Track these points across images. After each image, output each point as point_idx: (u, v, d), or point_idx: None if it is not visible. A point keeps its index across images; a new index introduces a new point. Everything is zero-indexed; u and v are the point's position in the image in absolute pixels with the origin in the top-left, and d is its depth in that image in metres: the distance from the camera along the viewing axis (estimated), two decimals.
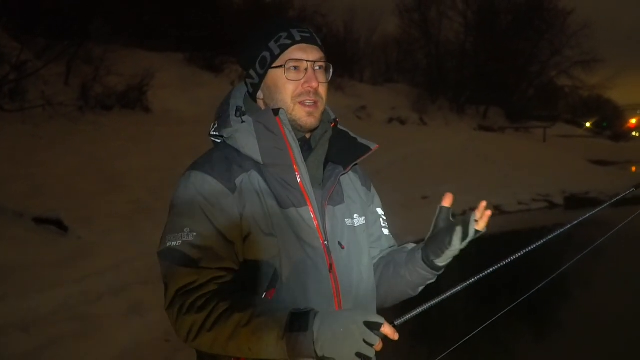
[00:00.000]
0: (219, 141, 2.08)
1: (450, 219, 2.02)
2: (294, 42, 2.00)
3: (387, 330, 1.67)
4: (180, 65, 23.32)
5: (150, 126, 16.20)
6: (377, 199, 2.33)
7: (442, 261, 2.03)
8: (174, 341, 6.02)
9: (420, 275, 2.10)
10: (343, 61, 35.81)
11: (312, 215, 1.96)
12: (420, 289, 2.17)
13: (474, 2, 45.54)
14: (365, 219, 2.18)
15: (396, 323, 1.72)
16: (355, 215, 2.14)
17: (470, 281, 1.86)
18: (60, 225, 8.84)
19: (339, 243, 2.02)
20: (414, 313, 1.77)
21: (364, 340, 1.63)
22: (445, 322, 7.38)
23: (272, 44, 2.01)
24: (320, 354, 1.64)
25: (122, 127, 15.26)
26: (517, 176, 21.01)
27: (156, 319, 6.35)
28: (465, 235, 1.96)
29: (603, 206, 2.07)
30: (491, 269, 1.87)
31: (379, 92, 36.49)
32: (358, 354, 1.62)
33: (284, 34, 2.01)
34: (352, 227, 2.10)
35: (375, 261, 2.28)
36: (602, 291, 9.57)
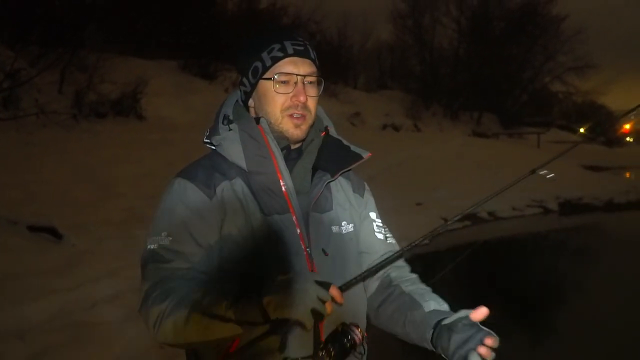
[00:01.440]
0: (213, 148, 2.12)
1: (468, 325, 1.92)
2: (286, 55, 2.03)
3: (335, 292, 1.70)
4: (174, 73, 23.31)
5: (144, 133, 16.20)
6: (371, 204, 2.33)
7: (442, 352, 1.95)
8: (168, 349, 6.00)
9: (420, 343, 2.07)
10: (337, 68, 35.83)
11: (295, 222, 1.99)
12: None
13: (467, 8, 45.65)
14: (354, 226, 2.19)
15: (341, 286, 1.77)
16: (344, 223, 2.15)
17: (415, 243, 1.90)
18: (54, 232, 8.83)
19: (323, 250, 2.03)
20: (360, 277, 1.90)
21: (318, 297, 1.65)
22: None
23: (264, 55, 2.04)
24: (273, 316, 1.66)
25: (116, 135, 15.25)
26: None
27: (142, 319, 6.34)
28: None
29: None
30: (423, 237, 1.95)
31: (373, 99, 36.52)
32: (313, 310, 1.64)
33: (277, 46, 2.04)
34: (340, 234, 2.11)
35: (380, 274, 2.26)
36: (596, 295, 9.59)
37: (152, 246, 1.95)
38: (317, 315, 1.65)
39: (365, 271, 1.92)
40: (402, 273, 2.27)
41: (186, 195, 1.97)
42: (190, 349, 2.03)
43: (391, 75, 48.78)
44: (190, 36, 23.73)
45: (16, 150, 11.80)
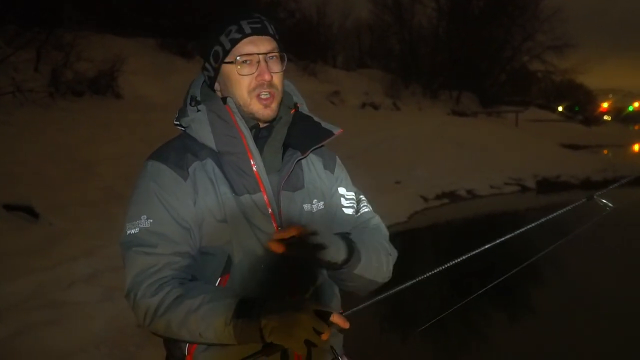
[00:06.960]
0: (182, 129, 2.11)
1: None
2: (244, 36, 2.00)
3: (337, 319, 1.69)
4: (152, 51, 23.13)
5: (122, 112, 16.08)
6: (341, 179, 2.31)
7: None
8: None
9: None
10: (316, 46, 35.72)
11: (266, 202, 1.99)
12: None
13: None
14: (325, 203, 2.18)
15: (344, 313, 1.75)
16: (315, 201, 2.14)
17: (425, 275, 1.87)
18: (31, 212, 8.78)
19: None
20: (365, 304, 1.82)
21: (314, 329, 1.65)
22: (416, 305, 7.43)
23: (223, 38, 2.02)
24: (268, 340, 1.67)
25: (93, 114, 15.12)
26: (490, 160, 21.14)
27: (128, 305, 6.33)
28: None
29: None
30: (458, 259, 1.88)
31: (352, 78, 36.47)
32: (307, 342, 1.64)
33: (234, 27, 2.01)
34: (311, 212, 2.11)
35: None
36: (573, 272, 9.67)
37: (132, 230, 1.92)
38: (311, 345, 1.66)
39: (376, 297, 1.85)
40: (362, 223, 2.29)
41: (160, 177, 1.95)
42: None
43: (370, 54, 48.80)
44: (168, 14, 23.49)
45: None
